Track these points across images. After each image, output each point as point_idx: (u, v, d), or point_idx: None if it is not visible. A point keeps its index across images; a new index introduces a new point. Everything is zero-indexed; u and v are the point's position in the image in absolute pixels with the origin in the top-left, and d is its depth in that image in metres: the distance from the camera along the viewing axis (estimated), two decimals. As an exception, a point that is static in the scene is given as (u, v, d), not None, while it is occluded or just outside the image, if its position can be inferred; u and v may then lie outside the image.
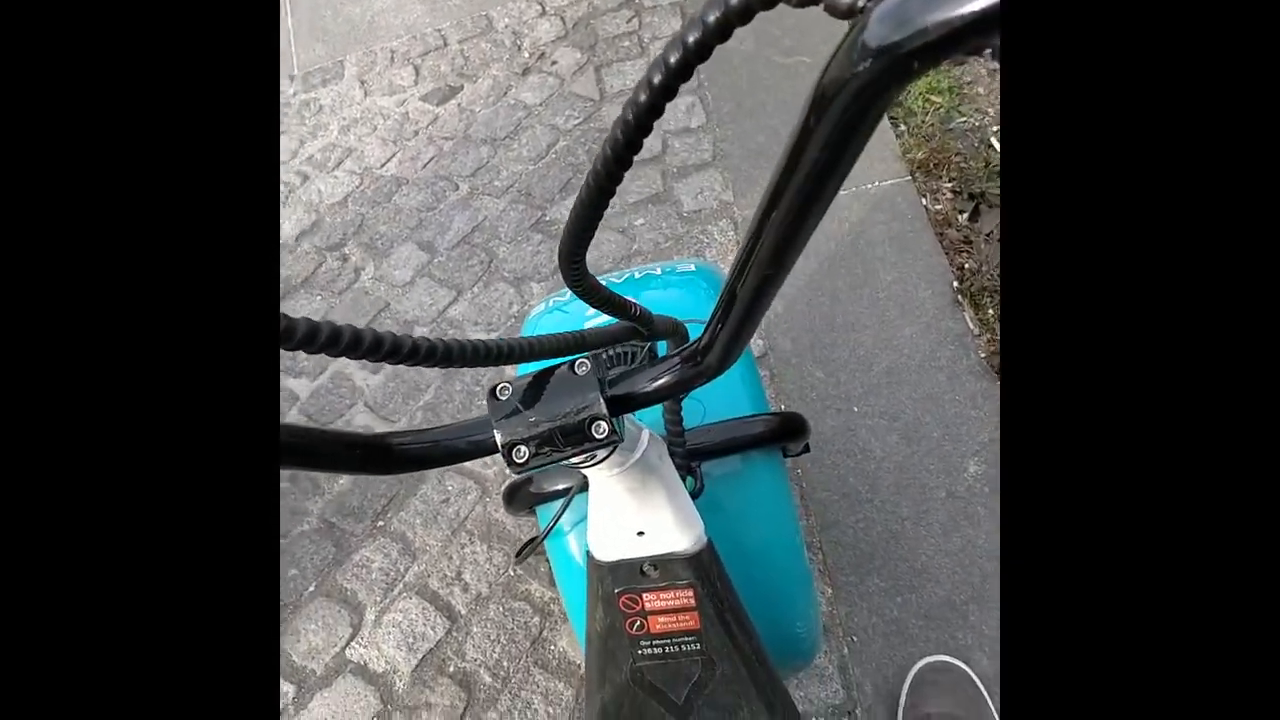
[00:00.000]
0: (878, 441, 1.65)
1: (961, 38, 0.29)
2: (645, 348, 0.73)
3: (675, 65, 0.34)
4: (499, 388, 0.59)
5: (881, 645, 1.44)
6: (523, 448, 0.57)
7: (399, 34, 2.79)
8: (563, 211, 2.17)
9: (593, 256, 2.05)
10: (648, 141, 2.21)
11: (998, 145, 2.08)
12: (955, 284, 1.83)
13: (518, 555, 1.11)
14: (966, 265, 1.87)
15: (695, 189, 2.13)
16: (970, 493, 1.56)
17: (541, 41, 2.61)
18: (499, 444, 0.57)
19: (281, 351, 0.38)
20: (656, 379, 0.60)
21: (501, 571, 1.62)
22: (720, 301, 0.51)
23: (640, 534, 0.69)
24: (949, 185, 2.01)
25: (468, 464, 1.76)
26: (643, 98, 0.36)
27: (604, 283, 1.09)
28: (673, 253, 2.02)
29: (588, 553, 0.72)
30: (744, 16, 0.33)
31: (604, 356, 0.62)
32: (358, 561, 1.67)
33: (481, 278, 2.09)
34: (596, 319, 1.03)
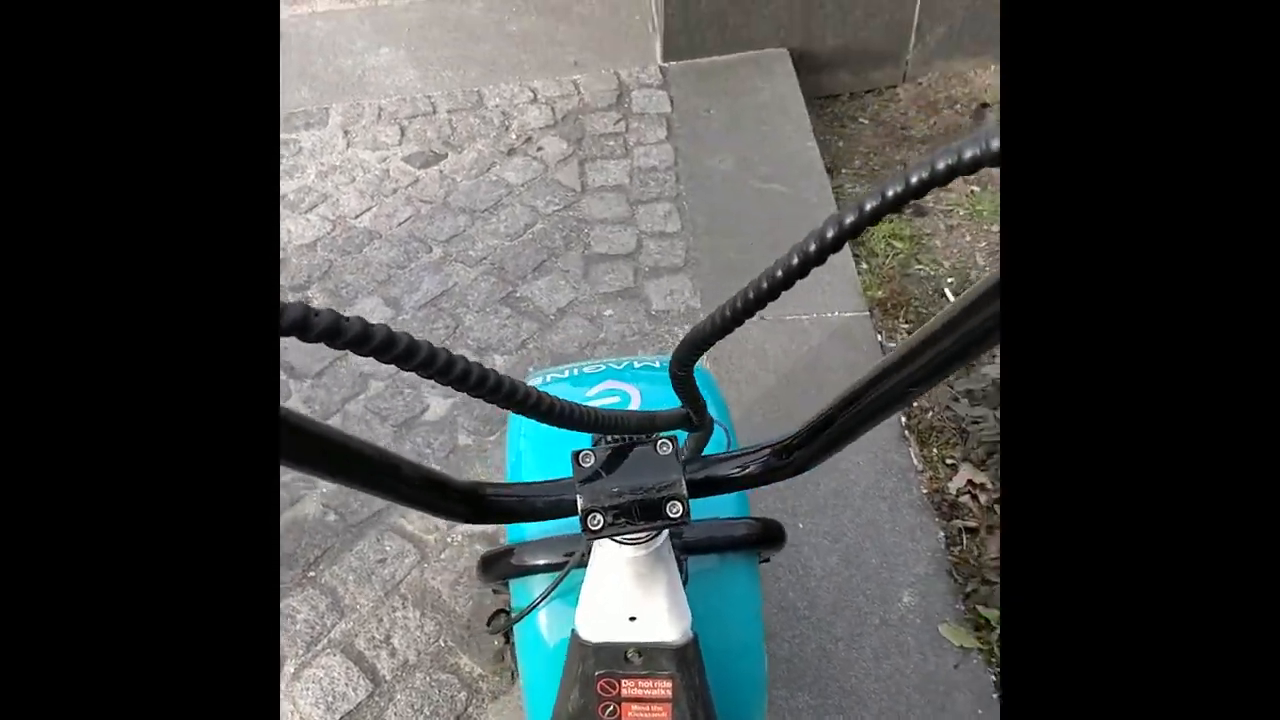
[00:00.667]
0: (819, 560, 1.69)
1: None
2: (654, 438, 0.75)
3: (891, 197, 0.38)
4: (582, 454, 0.61)
5: (807, 763, 1.45)
6: (599, 515, 0.58)
7: (389, 93, 2.83)
8: (534, 290, 2.20)
9: (557, 339, 2.08)
10: (623, 238, 2.27)
11: (951, 296, 2.21)
12: (903, 420, 1.92)
13: (489, 623, 1.09)
14: (915, 404, 1.96)
15: (665, 290, 2.19)
16: (902, 622, 1.61)
17: (529, 127, 2.68)
18: (579, 508, 0.59)
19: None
20: (742, 468, 0.63)
21: (432, 640, 1.58)
22: (833, 406, 0.55)
23: (632, 619, 0.69)
24: (905, 326, 2.12)
25: (408, 526, 1.73)
26: (850, 218, 0.39)
27: (605, 367, 1.12)
28: (638, 347, 2.07)
29: (573, 631, 0.72)
30: (948, 178, 0.37)
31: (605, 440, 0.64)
32: (283, 610, 1.61)
33: (445, 341, 2.09)
34: (595, 402, 1.04)
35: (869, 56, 2.98)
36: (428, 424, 1.91)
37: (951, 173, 0.35)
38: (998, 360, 1.93)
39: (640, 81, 2.82)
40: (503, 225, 2.38)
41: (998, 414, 1.84)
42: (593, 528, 0.58)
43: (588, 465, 0.60)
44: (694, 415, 0.66)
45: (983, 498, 1.78)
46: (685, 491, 0.59)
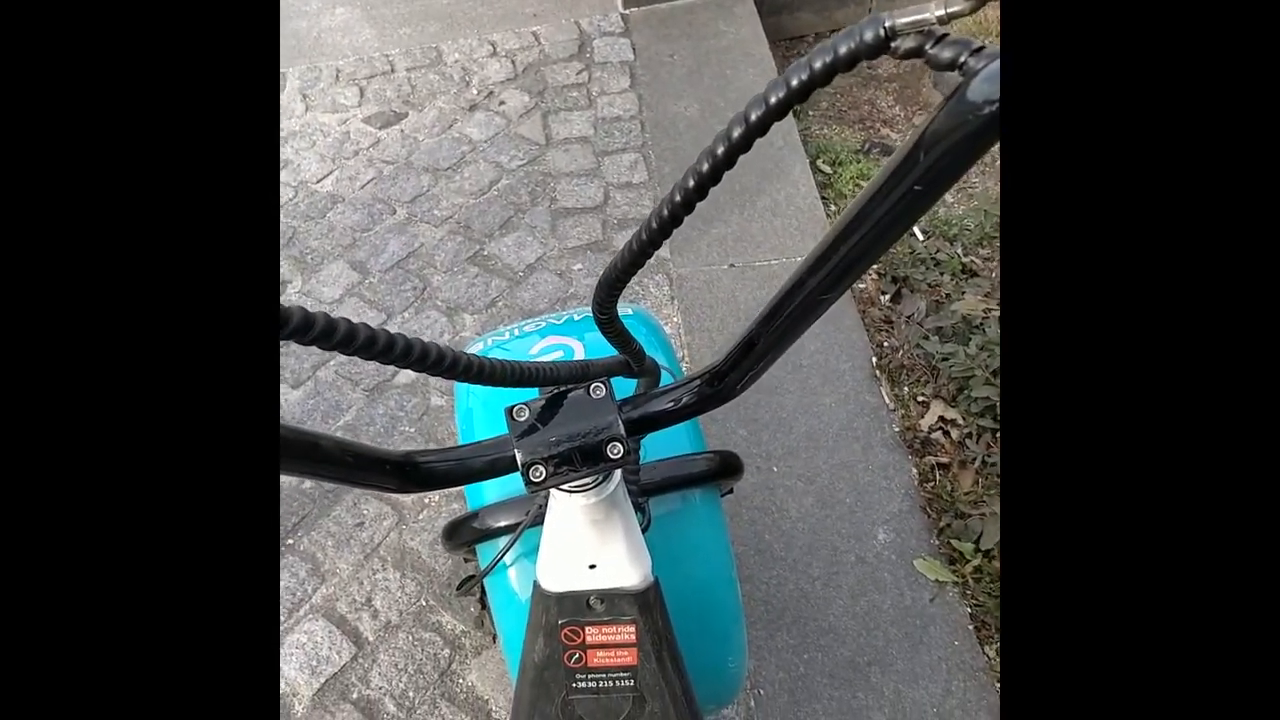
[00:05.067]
0: (794, 502, 1.71)
1: None
2: (586, 384, 0.74)
3: (774, 105, 0.38)
4: (516, 409, 0.60)
5: (787, 700, 1.47)
6: (540, 467, 0.58)
7: (345, 54, 2.78)
8: (502, 247, 2.19)
9: (527, 296, 2.07)
10: (589, 191, 2.25)
11: (920, 235, 2.21)
12: (874, 360, 1.92)
13: (459, 587, 1.10)
14: (886, 344, 1.97)
15: (633, 242, 2.18)
16: (878, 559, 1.63)
17: (490, 81, 2.64)
18: (519, 462, 0.58)
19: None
20: (677, 401, 0.63)
21: (413, 600, 1.59)
22: (755, 325, 0.55)
23: (592, 567, 0.70)
24: (875, 267, 2.12)
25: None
26: (735, 132, 0.39)
27: (546, 323, 1.11)
28: (607, 301, 2.06)
29: (534, 583, 0.72)
30: (850, 64, 0.38)
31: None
32: (262, 579, 1.62)
33: (413, 303, 2.08)
34: (540, 359, 1.04)
35: (833, -5, 2.95)
36: (399, 387, 1.91)
37: (853, 59, 0.36)
38: (966, 297, 1.93)
39: (601, 30, 2.78)
40: (467, 183, 2.35)
41: (967, 350, 1.85)
42: (535, 480, 0.58)
43: (523, 419, 0.60)
44: (631, 360, 0.65)
45: (954, 433, 1.79)
46: (623, 431, 0.59)
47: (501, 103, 2.57)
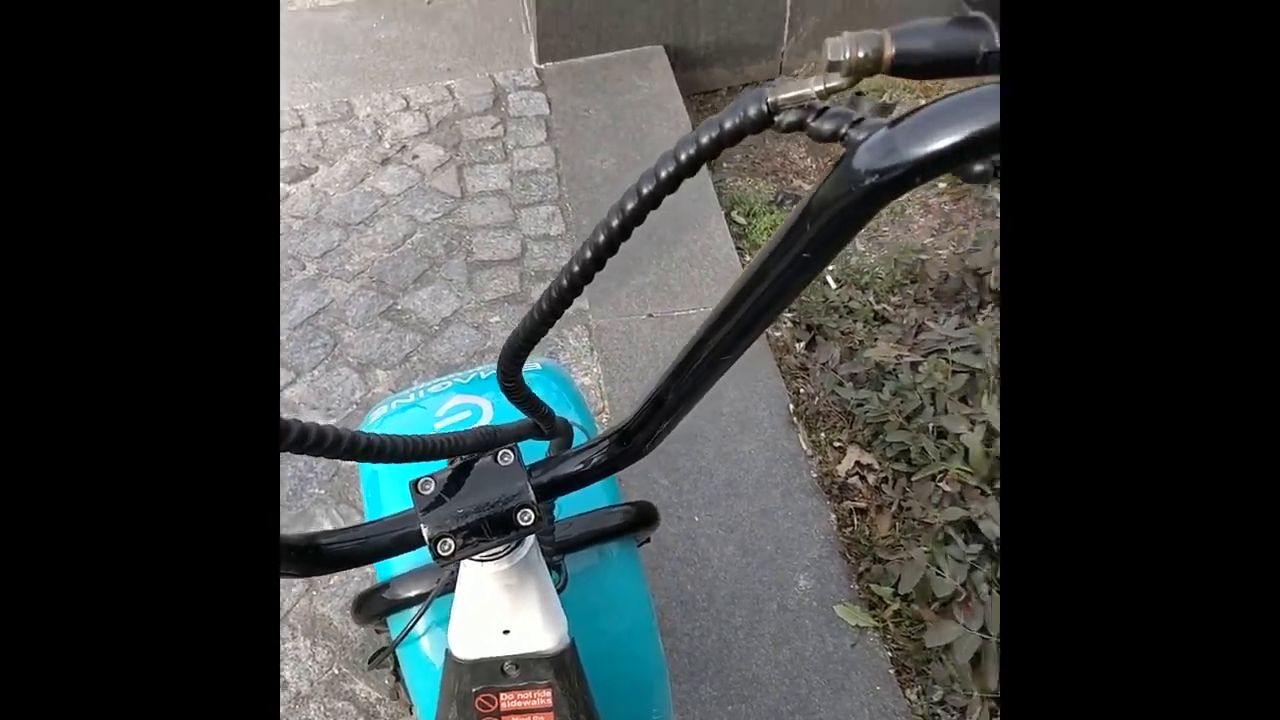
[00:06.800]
0: (716, 551, 1.70)
1: (943, 165, 0.34)
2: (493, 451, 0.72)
3: (665, 178, 0.39)
4: (420, 482, 0.59)
5: (712, 755, 1.45)
6: (449, 540, 0.57)
7: (255, 108, 2.74)
8: (416, 301, 2.16)
9: (443, 350, 2.04)
10: (507, 243, 2.25)
11: (832, 283, 2.25)
12: (791, 407, 1.94)
13: (371, 660, 1.06)
14: (802, 390, 1.99)
15: (550, 293, 2.17)
16: (800, 606, 1.63)
17: (404, 135, 2.63)
18: (426, 537, 0.57)
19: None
20: (587, 463, 0.62)
21: (325, 669, 1.53)
22: (660, 384, 0.55)
23: (506, 632, 0.68)
24: (789, 315, 2.15)
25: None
26: (629, 205, 0.40)
27: (453, 383, 1.10)
28: (525, 353, 2.05)
29: (446, 651, 0.71)
30: (735, 138, 0.38)
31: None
32: (162, 652, 1.54)
33: (324, 360, 2.03)
34: (445, 420, 1.02)
35: (744, 50, 3.02)
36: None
37: (738, 134, 0.37)
38: (879, 343, 1.97)
39: (516, 84, 2.79)
40: (380, 237, 2.32)
41: (880, 395, 1.88)
42: (444, 554, 0.57)
43: (428, 492, 0.58)
44: (540, 424, 0.64)
45: (870, 478, 1.81)
46: (533, 498, 0.58)
47: (415, 156, 2.55)
